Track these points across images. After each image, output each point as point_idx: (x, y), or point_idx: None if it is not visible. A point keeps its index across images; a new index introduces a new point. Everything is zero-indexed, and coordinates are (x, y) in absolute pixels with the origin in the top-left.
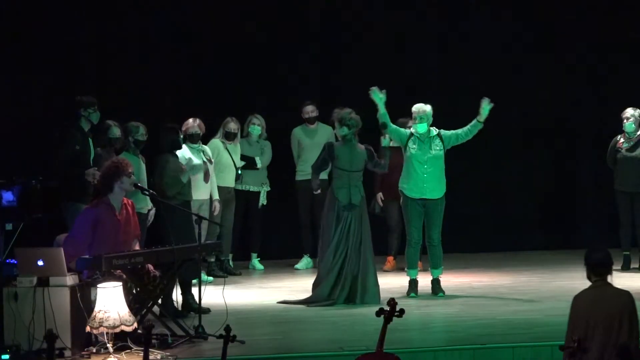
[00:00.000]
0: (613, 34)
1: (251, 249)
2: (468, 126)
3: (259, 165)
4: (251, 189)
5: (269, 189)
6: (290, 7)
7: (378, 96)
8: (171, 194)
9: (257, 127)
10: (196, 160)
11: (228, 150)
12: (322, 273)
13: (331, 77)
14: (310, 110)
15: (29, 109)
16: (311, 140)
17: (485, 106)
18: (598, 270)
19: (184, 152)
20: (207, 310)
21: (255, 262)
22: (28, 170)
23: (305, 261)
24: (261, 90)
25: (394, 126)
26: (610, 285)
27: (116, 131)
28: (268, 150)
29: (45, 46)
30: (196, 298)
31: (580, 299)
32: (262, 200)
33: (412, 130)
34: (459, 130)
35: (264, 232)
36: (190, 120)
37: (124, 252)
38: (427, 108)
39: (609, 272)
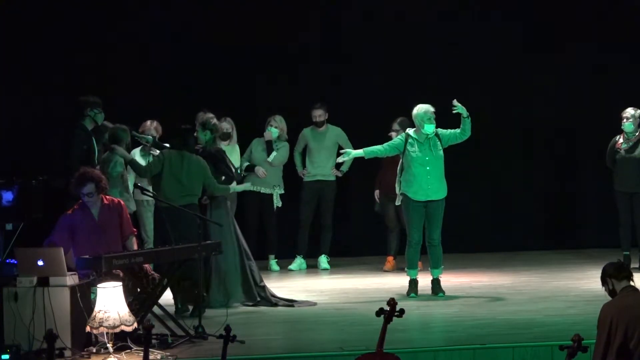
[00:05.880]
0: (613, 33)
1: (268, 251)
2: (460, 126)
3: (270, 159)
4: (262, 191)
5: (282, 191)
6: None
7: (347, 157)
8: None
9: (274, 129)
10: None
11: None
12: None
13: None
14: (318, 114)
15: (28, 109)
16: (319, 144)
17: (457, 105)
18: (622, 274)
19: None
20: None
21: (273, 263)
22: (28, 170)
23: (298, 262)
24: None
25: (384, 147)
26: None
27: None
28: (282, 150)
29: (45, 46)
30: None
31: (612, 306)
32: (276, 202)
33: (408, 132)
34: (457, 130)
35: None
36: (148, 122)
37: (123, 252)
38: (433, 108)
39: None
